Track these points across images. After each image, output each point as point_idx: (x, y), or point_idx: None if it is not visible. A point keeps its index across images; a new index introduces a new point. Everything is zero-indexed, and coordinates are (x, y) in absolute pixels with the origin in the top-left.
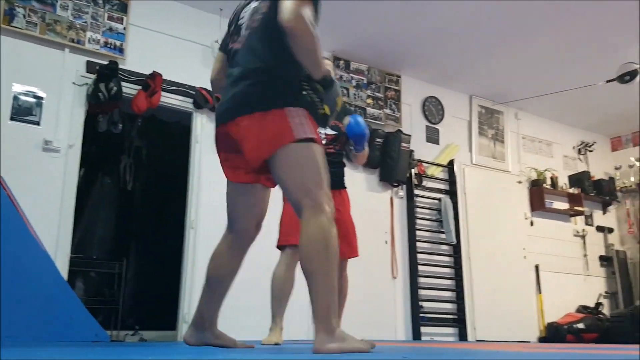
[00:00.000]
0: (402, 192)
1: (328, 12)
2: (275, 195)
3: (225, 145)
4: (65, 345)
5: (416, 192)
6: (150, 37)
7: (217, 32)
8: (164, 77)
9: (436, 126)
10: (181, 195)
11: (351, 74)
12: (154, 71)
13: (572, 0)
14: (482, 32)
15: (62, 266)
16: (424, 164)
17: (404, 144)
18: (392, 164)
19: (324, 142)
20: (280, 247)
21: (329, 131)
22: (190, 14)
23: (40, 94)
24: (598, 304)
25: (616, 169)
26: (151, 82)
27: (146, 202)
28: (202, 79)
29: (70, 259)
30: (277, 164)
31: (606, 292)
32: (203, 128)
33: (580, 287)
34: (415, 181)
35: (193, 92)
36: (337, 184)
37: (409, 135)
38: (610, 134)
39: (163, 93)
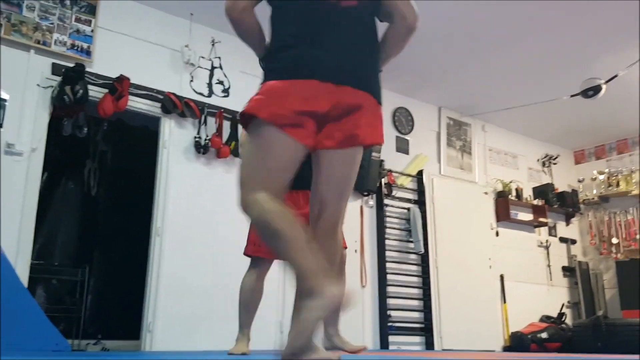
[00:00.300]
0: (372, 202)
1: None
2: None
3: (314, 99)
4: (24, 355)
5: (386, 201)
6: (118, 40)
7: (187, 37)
8: (132, 81)
9: (406, 137)
10: (147, 201)
11: None
12: (121, 75)
13: (538, 15)
14: (452, 45)
15: (23, 273)
16: (394, 174)
17: (374, 154)
18: (362, 173)
19: None
20: (248, 255)
21: None
22: (160, 18)
23: (3, 95)
24: (561, 314)
25: (579, 181)
26: (118, 86)
27: (111, 208)
28: (171, 83)
29: (31, 266)
30: (355, 156)
31: (569, 302)
32: (171, 133)
33: (544, 297)
34: (385, 191)
35: (161, 97)
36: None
37: (380, 145)
38: (573, 147)
39: (131, 97)
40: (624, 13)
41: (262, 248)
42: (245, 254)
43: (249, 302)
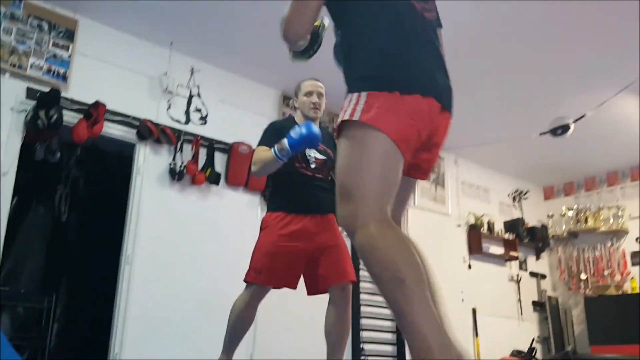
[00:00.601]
0: None
1: (276, 49)
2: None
3: (422, 121)
4: None
5: None
6: (96, 67)
7: (166, 65)
8: (109, 107)
9: None
10: (119, 228)
11: None
12: (97, 100)
13: (510, 55)
14: None
15: None
16: None
17: None
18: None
19: (312, 166)
20: (248, 282)
21: (319, 156)
22: (140, 46)
23: None
24: (531, 349)
25: (549, 217)
26: (94, 112)
27: (81, 235)
28: (148, 110)
29: None
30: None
31: (538, 337)
32: (146, 160)
33: (515, 331)
34: None
35: (137, 123)
36: (327, 208)
37: None
38: (543, 184)
39: (106, 123)
40: (593, 55)
41: (262, 276)
42: (246, 280)
43: (237, 327)
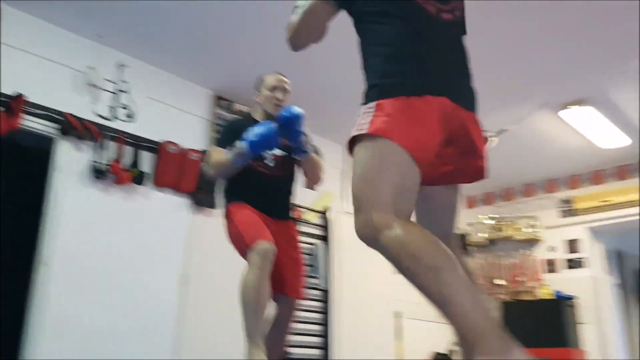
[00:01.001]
0: None
1: (210, 48)
2: None
3: (435, 122)
4: None
5: None
6: (17, 56)
7: (93, 58)
8: (30, 99)
9: None
10: (37, 228)
11: (233, 115)
12: (16, 91)
13: None
14: (353, 88)
15: None
16: (301, 209)
17: None
18: None
19: (272, 164)
20: (250, 246)
21: (278, 152)
22: (65, 37)
23: None
24: (450, 351)
25: (469, 225)
26: (12, 103)
27: None
28: (71, 104)
29: None
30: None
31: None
32: (66, 156)
33: (435, 334)
34: None
35: (59, 117)
36: (287, 213)
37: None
38: (466, 193)
39: (26, 116)
40: (515, 74)
41: (260, 235)
42: (247, 245)
43: (256, 302)
